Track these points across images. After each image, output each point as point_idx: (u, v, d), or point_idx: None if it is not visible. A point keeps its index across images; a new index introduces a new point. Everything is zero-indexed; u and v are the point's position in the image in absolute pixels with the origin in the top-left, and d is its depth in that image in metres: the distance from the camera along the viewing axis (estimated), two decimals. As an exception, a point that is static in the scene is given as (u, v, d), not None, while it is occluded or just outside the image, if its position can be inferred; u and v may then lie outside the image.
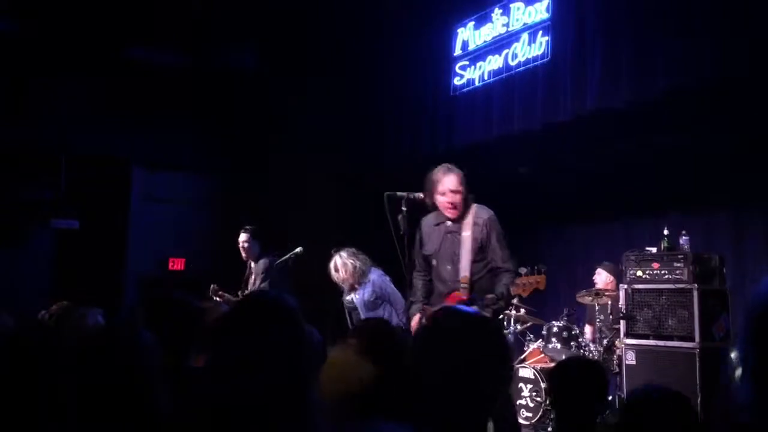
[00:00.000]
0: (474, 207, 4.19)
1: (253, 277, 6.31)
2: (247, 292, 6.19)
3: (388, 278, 5.29)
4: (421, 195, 4.51)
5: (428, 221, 4.37)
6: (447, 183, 4.15)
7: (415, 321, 4.23)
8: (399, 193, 4.34)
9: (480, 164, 7.39)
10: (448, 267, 4.16)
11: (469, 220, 4.13)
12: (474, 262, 4.07)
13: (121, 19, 7.37)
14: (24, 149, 7.36)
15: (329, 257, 5.55)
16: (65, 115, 7.53)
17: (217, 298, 6.07)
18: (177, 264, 8.19)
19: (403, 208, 4.31)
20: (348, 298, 5.55)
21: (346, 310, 5.62)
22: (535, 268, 4.03)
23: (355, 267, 5.39)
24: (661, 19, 5.16)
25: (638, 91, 5.34)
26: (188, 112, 8.18)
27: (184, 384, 2.13)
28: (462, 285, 4.04)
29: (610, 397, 5.21)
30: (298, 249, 6.33)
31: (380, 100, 7.91)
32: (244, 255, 6.40)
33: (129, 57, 7.74)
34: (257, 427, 1.62)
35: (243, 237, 6.38)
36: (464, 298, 4.00)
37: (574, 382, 2.43)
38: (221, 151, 8.57)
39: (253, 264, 6.39)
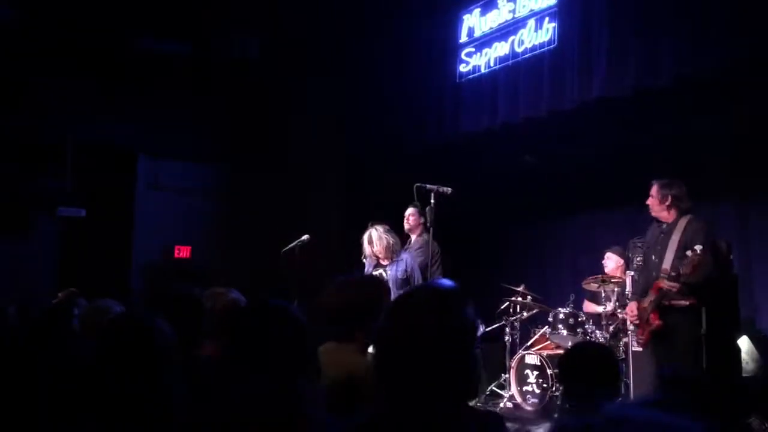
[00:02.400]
0: (689, 216, 4.71)
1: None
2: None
3: (417, 264, 5.40)
4: (449, 189, 4.61)
5: (652, 225, 4.95)
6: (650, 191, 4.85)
7: (627, 309, 4.97)
8: (428, 186, 4.43)
9: (486, 151, 7.41)
10: (655, 260, 4.72)
11: (681, 226, 4.67)
12: (675, 258, 4.54)
13: (127, 8, 7.35)
14: (30, 139, 7.36)
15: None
16: (71, 104, 7.52)
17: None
18: (183, 252, 8.20)
19: (431, 201, 4.36)
20: (376, 273, 5.68)
21: None
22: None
23: (389, 242, 5.58)
24: (668, 7, 5.14)
25: (644, 79, 5.33)
26: (193, 101, 8.17)
27: (193, 374, 2.16)
28: (662, 275, 4.53)
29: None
30: (305, 237, 6.36)
31: (386, 88, 7.89)
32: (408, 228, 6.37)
33: (134, 47, 7.72)
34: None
35: (410, 211, 6.30)
36: (661, 285, 4.54)
37: (586, 368, 2.43)
38: (226, 140, 8.57)
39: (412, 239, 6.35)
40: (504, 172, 7.77)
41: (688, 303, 4.50)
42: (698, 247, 4.33)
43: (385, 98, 7.89)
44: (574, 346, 2.79)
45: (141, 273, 7.97)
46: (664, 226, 4.79)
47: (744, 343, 5.37)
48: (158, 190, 8.27)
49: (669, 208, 4.76)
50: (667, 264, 4.57)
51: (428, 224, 4.39)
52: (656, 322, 4.60)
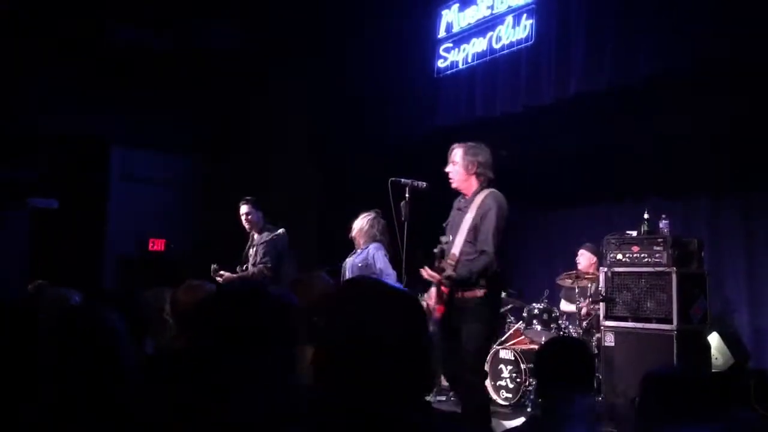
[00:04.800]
0: (487, 191, 4.20)
1: (254, 249, 6.04)
2: (247, 266, 6.02)
3: (383, 254, 5.26)
4: (424, 183, 4.53)
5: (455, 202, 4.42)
6: (450, 157, 4.30)
7: (429, 294, 4.28)
8: (403, 180, 4.36)
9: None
10: (448, 242, 4.21)
11: (477, 202, 4.16)
12: (467, 242, 4.10)
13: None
14: (1, 128, 7.22)
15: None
16: (44, 94, 7.39)
17: (218, 278, 5.87)
18: (157, 245, 8.12)
19: (406, 195, 4.31)
20: (344, 261, 5.57)
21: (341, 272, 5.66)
22: None
23: (362, 227, 5.41)
24: (646, 4, 5.18)
25: (621, 76, 5.37)
26: (168, 91, 8.07)
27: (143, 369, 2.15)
28: (449, 262, 4.10)
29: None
30: (280, 230, 6.33)
31: (364, 82, 7.86)
32: (247, 227, 6.15)
33: (109, 36, 7.61)
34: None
35: (245, 208, 6.11)
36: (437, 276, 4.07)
37: (560, 363, 2.44)
38: (201, 131, 8.49)
39: (256, 236, 6.14)
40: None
41: (474, 296, 4.01)
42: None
43: (364, 93, 7.87)
44: (549, 341, 2.81)
45: (114, 265, 7.88)
46: (462, 201, 4.28)
47: (714, 338, 5.46)
48: (132, 182, 8.17)
49: (472, 178, 4.22)
50: (456, 248, 4.10)
51: (403, 218, 4.34)
52: (439, 309, 4.07)
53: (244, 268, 6.08)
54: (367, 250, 5.39)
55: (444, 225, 4.33)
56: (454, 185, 4.27)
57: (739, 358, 5.49)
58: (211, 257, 7.44)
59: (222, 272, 5.96)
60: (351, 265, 5.40)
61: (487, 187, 4.21)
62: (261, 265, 5.90)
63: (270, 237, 5.98)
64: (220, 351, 1.84)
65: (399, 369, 1.33)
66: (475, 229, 4.07)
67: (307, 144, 8.45)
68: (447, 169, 4.26)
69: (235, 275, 5.97)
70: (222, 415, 1.65)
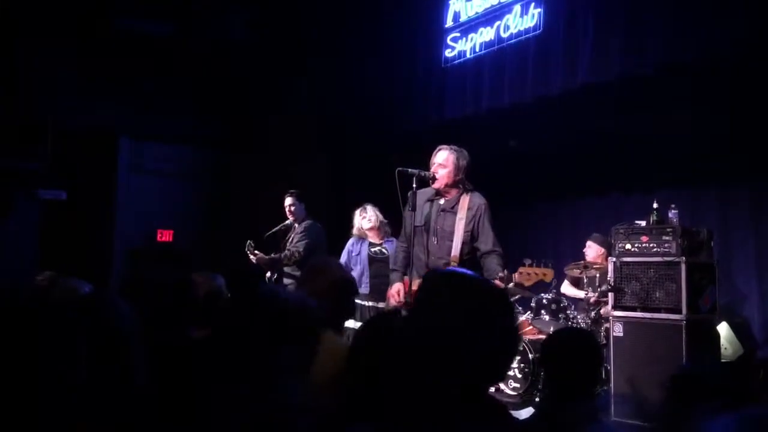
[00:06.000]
0: (470, 193, 4.43)
1: (292, 237, 6.29)
2: (286, 251, 6.21)
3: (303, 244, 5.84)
4: (431, 173, 4.60)
5: (423, 194, 4.50)
6: (436, 158, 4.46)
7: (394, 289, 4.47)
8: (411, 170, 4.41)
9: (470, 137, 7.38)
10: (438, 242, 4.35)
11: (464, 204, 4.36)
12: (464, 243, 4.31)
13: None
14: (10, 119, 7.25)
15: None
16: (52, 85, 7.40)
17: (252, 257, 6.13)
18: (165, 235, 8.15)
19: (414, 185, 4.35)
20: (374, 249, 5.85)
21: (367, 260, 5.83)
22: (543, 261, 4.38)
23: (382, 219, 5.88)
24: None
25: (629, 66, 5.33)
26: (177, 83, 8.08)
27: (171, 359, 2.15)
28: (453, 262, 4.26)
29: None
30: (289, 221, 6.39)
31: (370, 72, 7.83)
32: (291, 218, 6.43)
33: (117, 27, 7.61)
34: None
35: (289, 201, 6.42)
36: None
37: (568, 353, 2.44)
38: (209, 122, 8.49)
39: (297, 225, 6.41)
40: (488, 157, 7.75)
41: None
42: (501, 274, 4.08)
43: (370, 82, 7.84)
44: (556, 332, 2.81)
45: (123, 257, 7.91)
46: (443, 201, 4.43)
47: (723, 328, 5.44)
48: (141, 173, 8.20)
49: (457, 181, 4.41)
50: (456, 250, 4.28)
51: (410, 208, 4.38)
52: (400, 304, 4.26)
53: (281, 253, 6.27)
54: (391, 244, 5.68)
55: (416, 225, 4.42)
56: (437, 185, 4.41)
57: (749, 348, 5.48)
58: (218, 248, 7.49)
59: (257, 252, 6.18)
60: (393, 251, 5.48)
61: (465, 189, 4.44)
62: (294, 249, 6.11)
63: (308, 225, 6.28)
64: (231, 346, 1.85)
65: (486, 364, 1.38)
66: (472, 231, 4.30)
67: (313, 136, 8.44)
68: (435, 170, 4.39)
69: (267, 257, 6.17)
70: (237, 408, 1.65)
